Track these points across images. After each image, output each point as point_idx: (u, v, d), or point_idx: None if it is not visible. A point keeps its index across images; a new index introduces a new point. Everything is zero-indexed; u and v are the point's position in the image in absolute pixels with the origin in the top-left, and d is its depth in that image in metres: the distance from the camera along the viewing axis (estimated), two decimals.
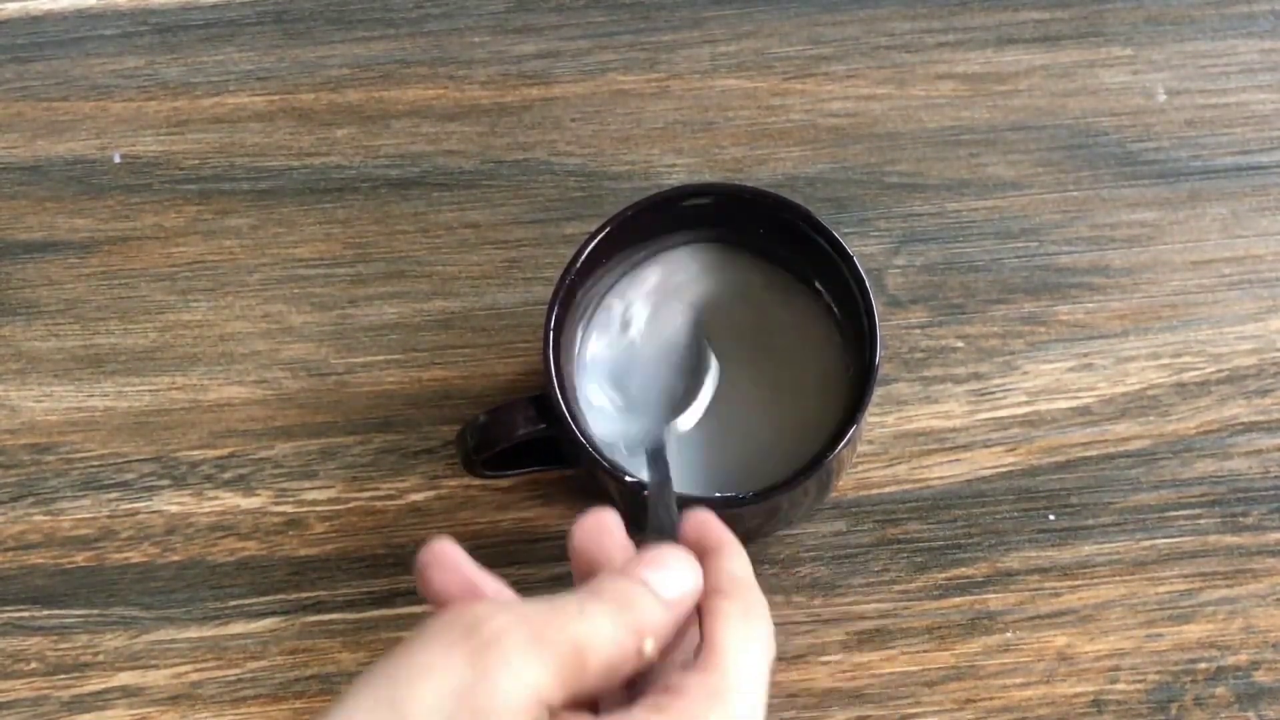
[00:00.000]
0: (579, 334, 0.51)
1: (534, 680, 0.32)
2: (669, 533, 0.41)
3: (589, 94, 0.60)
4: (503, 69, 0.61)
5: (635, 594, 0.35)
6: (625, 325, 0.52)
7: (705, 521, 0.39)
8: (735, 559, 0.38)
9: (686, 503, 0.48)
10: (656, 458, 0.46)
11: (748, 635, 0.36)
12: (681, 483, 0.50)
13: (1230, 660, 0.52)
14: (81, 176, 0.60)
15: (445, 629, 0.33)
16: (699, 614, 0.37)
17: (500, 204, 0.59)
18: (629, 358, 0.52)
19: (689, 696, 0.34)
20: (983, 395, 0.56)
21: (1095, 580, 0.53)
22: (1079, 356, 0.56)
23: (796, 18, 0.61)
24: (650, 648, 0.35)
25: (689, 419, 0.50)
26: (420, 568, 0.36)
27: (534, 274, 0.58)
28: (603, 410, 0.51)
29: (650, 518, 0.42)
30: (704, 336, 0.51)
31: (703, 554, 0.38)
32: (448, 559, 0.36)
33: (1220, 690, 0.52)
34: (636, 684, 0.36)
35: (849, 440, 0.47)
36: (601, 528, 0.39)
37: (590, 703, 0.35)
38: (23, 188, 0.60)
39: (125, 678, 0.53)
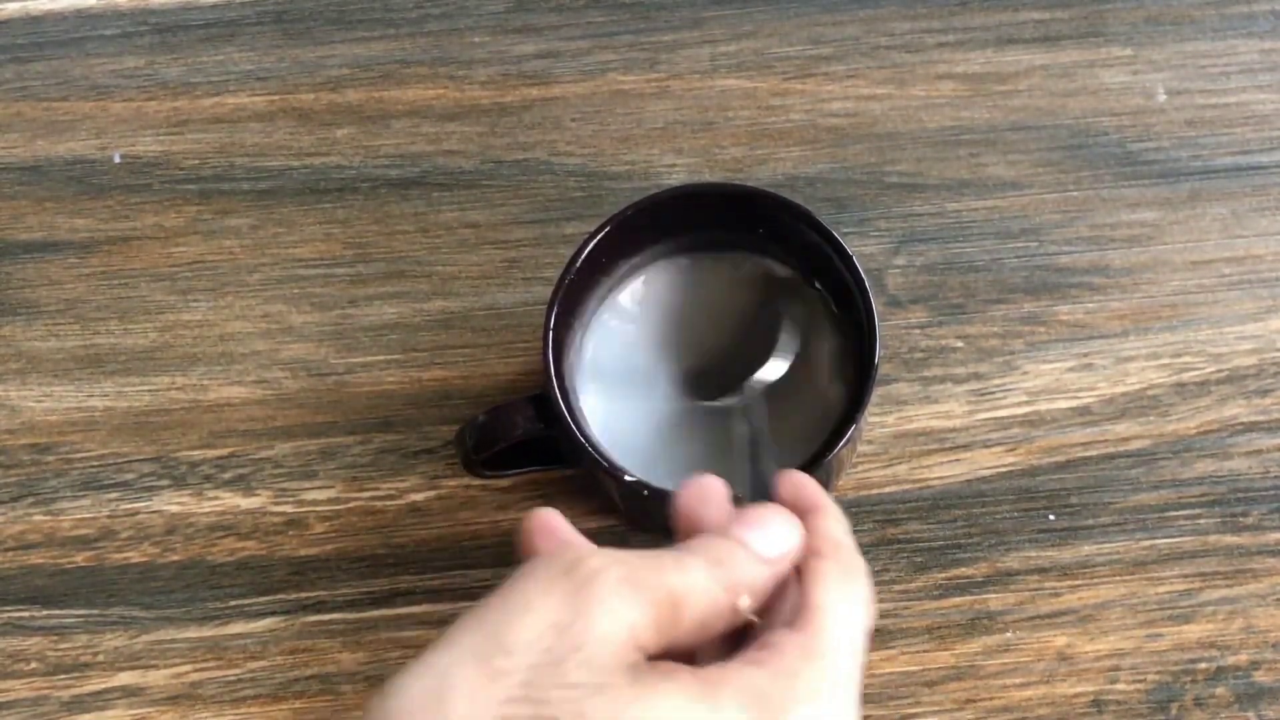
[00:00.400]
0: (579, 334, 0.51)
1: (629, 619, 0.33)
2: (765, 491, 0.40)
3: (589, 94, 0.60)
4: (503, 69, 0.61)
5: (731, 551, 0.36)
6: (635, 338, 0.52)
7: (801, 483, 0.39)
8: (833, 521, 0.38)
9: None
10: (750, 416, 0.46)
11: (846, 597, 0.36)
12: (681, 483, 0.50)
13: (1230, 660, 0.52)
14: (81, 176, 0.60)
15: (544, 567, 0.34)
16: (799, 575, 0.37)
17: (500, 204, 0.59)
18: (674, 335, 0.52)
19: (784, 654, 0.34)
20: (983, 395, 0.56)
21: (1095, 580, 0.53)
22: (1079, 356, 0.56)
23: (796, 18, 0.61)
24: (746, 604, 0.35)
25: (773, 370, 0.49)
26: (524, 532, 0.37)
27: (534, 274, 0.58)
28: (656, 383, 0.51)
29: (749, 477, 0.42)
30: (775, 305, 0.51)
31: (799, 515, 0.38)
32: (550, 524, 0.37)
33: (1220, 690, 0.52)
34: (739, 643, 0.36)
35: (849, 440, 0.47)
36: (705, 494, 0.38)
37: (688, 657, 0.35)
38: (23, 188, 0.60)
39: (125, 678, 0.53)
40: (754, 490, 0.42)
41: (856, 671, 0.35)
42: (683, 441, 0.51)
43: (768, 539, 0.36)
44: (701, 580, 0.34)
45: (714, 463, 0.51)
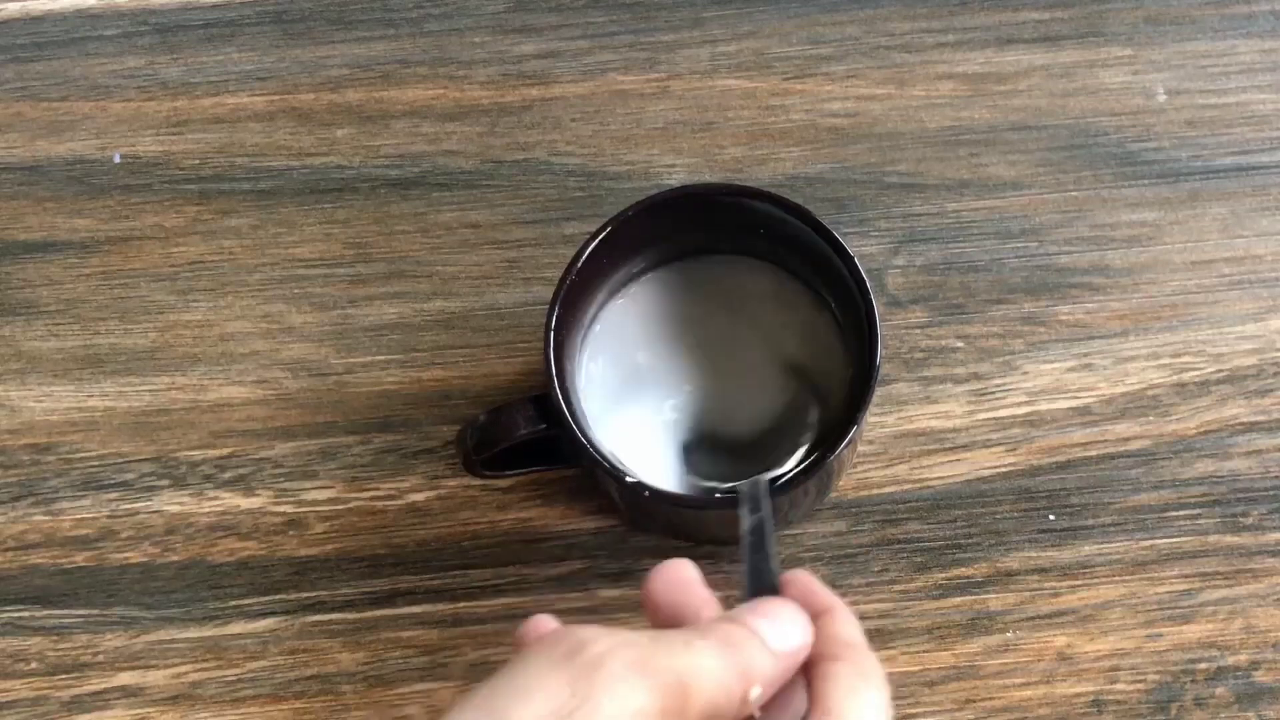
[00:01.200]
0: (580, 334, 0.51)
1: (636, 707, 0.31)
2: (769, 585, 0.39)
3: (589, 94, 0.60)
4: (503, 69, 0.61)
5: (744, 638, 0.34)
6: (635, 339, 0.52)
7: (808, 583, 0.38)
8: (846, 623, 0.37)
9: (693, 503, 0.49)
10: (755, 504, 0.43)
11: (864, 700, 0.34)
12: (682, 483, 0.50)
13: (1230, 660, 0.52)
14: (81, 176, 0.60)
15: (548, 650, 0.32)
16: (808, 679, 0.35)
17: (500, 204, 0.59)
18: (699, 392, 0.51)
19: None
20: (983, 395, 0.56)
21: (1095, 580, 0.53)
22: (1079, 356, 0.56)
23: (796, 18, 0.61)
24: (756, 695, 0.34)
25: (789, 464, 0.48)
26: (519, 636, 0.36)
27: (534, 274, 0.58)
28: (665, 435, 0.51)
29: (748, 568, 0.40)
30: (808, 390, 0.50)
31: (810, 617, 0.37)
32: (678, 575, 0.36)
33: (1220, 690, 0.52)
34: None
35: (849, 440, 0.47)
36: (683, 580, 0.37)
37: None
38: (23, 188, 0.60)
39: (125, 678, 0.53)
40: (753, 580, 0.39)
41: None
42: (689, 444, 0.51)
43: (779, 632, 0.35)
44: (712, 664, 0.33)
45: (720, 466, 0.51)
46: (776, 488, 0.46)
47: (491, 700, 0.31)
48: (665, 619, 0.37)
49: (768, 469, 0.48)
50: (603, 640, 0.32)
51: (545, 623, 0.36)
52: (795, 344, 0.52)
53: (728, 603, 0.38)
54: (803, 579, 0.38)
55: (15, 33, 0.62)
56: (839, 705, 0.34)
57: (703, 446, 0.51)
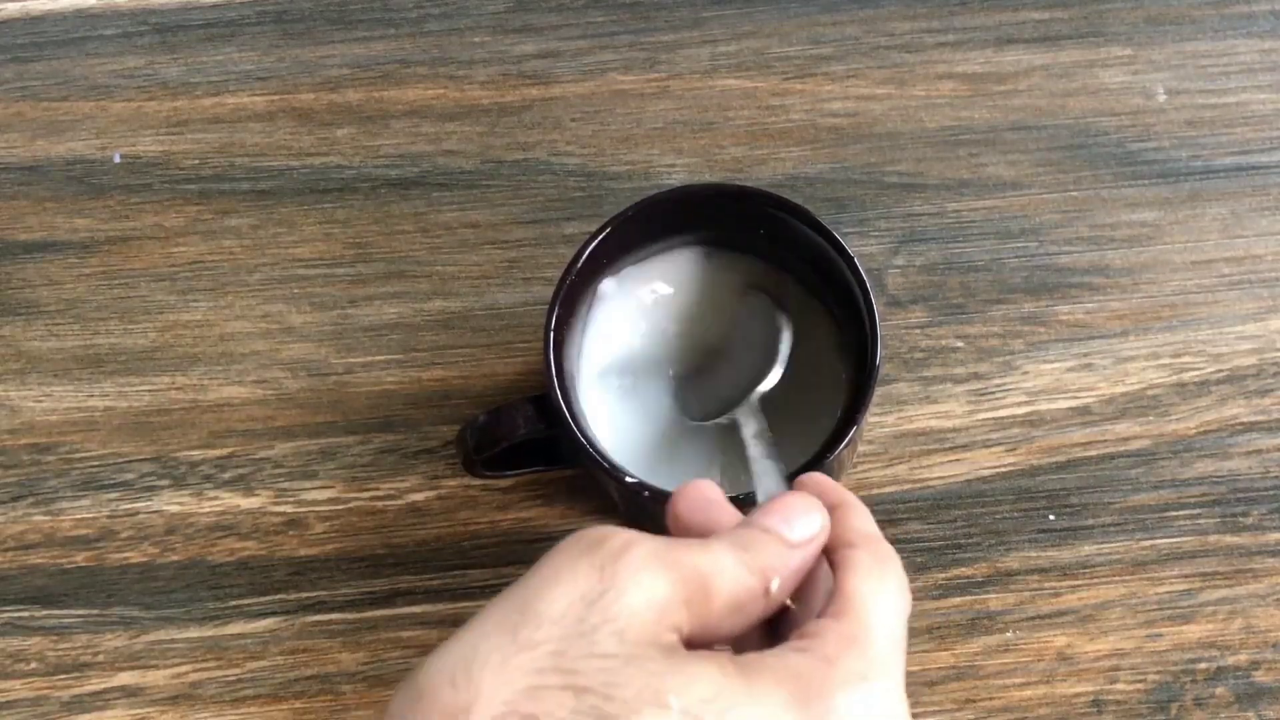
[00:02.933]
0: (580, 334, 0.51)
1: (659, 594, 0.32)
2: (777, 485, 0.40)
3: (589, 94, 0.60)
4: (503, 69, 0.61)
5: (758, 537, 0.35)
6: (635, 339, 0.52)
7: (820, 481, 0.39)
8: (859, 514, 0.38)
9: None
10: (751, 413, 0.46)
11: (882, 582, 0.35)
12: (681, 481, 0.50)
13: (1230, 660, 0.52)
14: (81, 176, 0.60)
15: (574, 543, 0.33)
16: (830, 564, 0.36)
17: (500, 204, 0.59)
18: (675, 347, 0.52)
19: (824, 640, 0.33)
20: (983, 395, 0.56)
21: (1095, 580, 0.53)
22: (1079, 356, 0.56)
23: (796, 18, 0.61)
24: (777, 587, 0.35)
25: (772, 380, 0.49)
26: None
27: (534, 274, 0.58)
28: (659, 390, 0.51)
29: (755, 475, 0.42)
30: (768, 297, 0.51)
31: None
32: (702, 495, 0.37)
33: (1220, 690, 0.52)
34: (777, 632, 0.36)
35: (849, 440, 0.47)
36: (707, 500, 0.38)
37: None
38: (23, 188, 0.60)
39: (125, 678, 0.53)
40: (763, 486, 0.42)
41: (899, 656, 0.34)
42: (686, 444, 0.51)
43: (793, 524, 0.36)
44: (729, 563, 0.34)
45: (717, 465, 0.51)
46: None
47: (524, 590, 0.33)
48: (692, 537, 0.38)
49: (753, 391, 0.49)
50: (626, 533, 0.33)
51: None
52: (793, 343, 0.52)
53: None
54: (816, 478, 0.39)
55: (15, 33, 0.62)
56: (859, 589, 0.35)
57: (691, 383, 0.51)
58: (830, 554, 0.36)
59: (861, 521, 0.37)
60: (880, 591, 0.35)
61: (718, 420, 0.49)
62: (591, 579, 0.32)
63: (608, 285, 0.52)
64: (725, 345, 0.52)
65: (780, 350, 0.50)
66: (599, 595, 0.32)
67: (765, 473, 0.42)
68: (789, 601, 0.36)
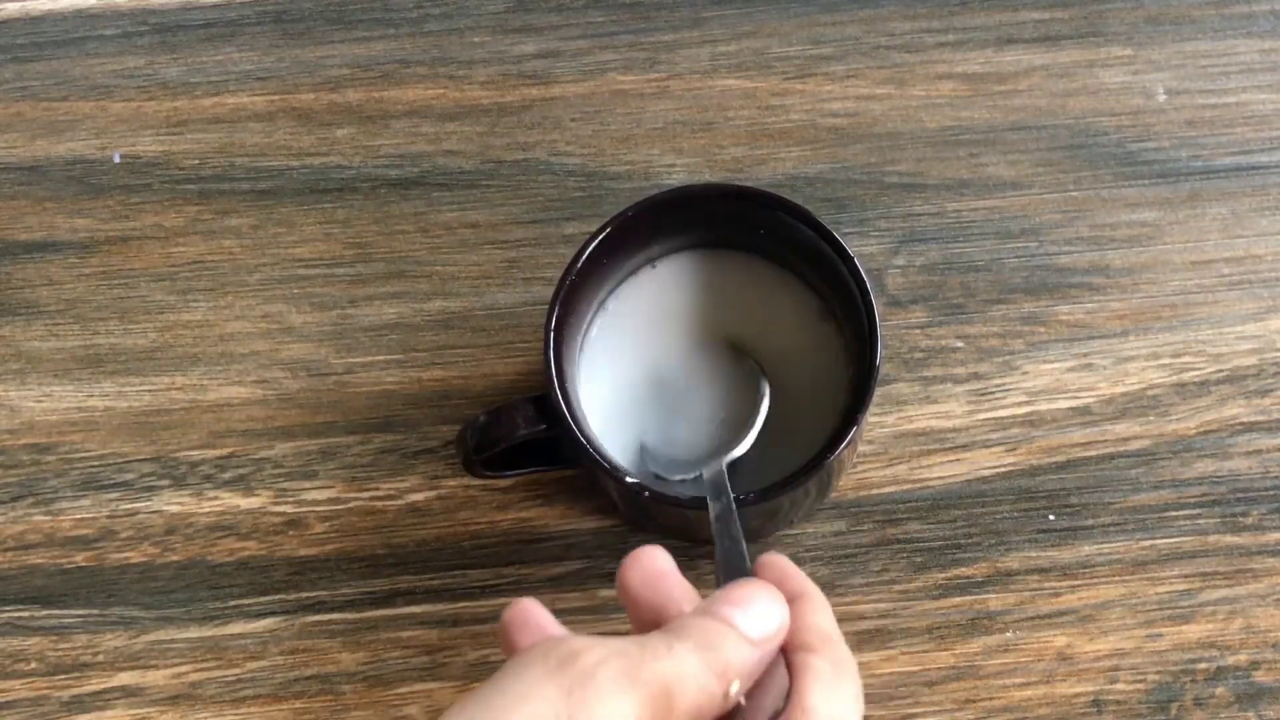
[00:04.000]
0: (580, 335, 0.51)
1: (626, 714, 0.32)
2: (740, 568, 0.40)
3: (589, 94, 0.60)
4: (503, 69, 0.61)
5: (721, 634, 0.35)
6: (635, 339, 0.52)
7: (781, 566, 0.38)
8: (819, 611, 0.37)
9: (692, 504, 0.49)
10: (718, 490, 0.45)
11: (839, 697, 0.35)
12: (683, 483, 0.50)
13: (1230, 660, 0.52)
14: (81, 176, 0.60)
15: (540, 659, 0.33)
16: (787, 664, 0.36)
17: (500, 204, 0.59)
18: (659, 378, 0.52)
19: None
20: (983, 395, 0.56)
21: (1095, 580, 0.53)
22: (1079, 356, 0.56)
23: (796, 18, 0.61)
24: (736, 690, 0.35)
25: (744, 446, 0.49)
26: (505, 626, 0.36)
27: (534, 274, 0.58)
28: (629, 431, 0.51)
29: (718, 553, 0.41)
30: (753, 361, 0.51)
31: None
32: (530, 616, 0.37)
33: (1220, 690, 0.52)
34: None
35: (849, 441, 0.47)
36: (657, 571, 0.38)
37: None
38: (23, 188, 0.60)
39: (125, 678, 0.53)
40: (726, 567, 0.41)
41: None
42: (690, 444, 0.51)
43: (754, 619, 0.36)
44: (693, 668, 0.34)
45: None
46: (770, 489, 0.46)
47: (488, 705, 0.32)
48: (644, 615, 0.37)
49: (725, 454, 0.49)
50: (594, 651, 0.33)
51: (529, 609, 0.37)
52: (793, 343, 0.52)
53: (707, 590, 0.39)
54: (776, 563, 0.39)
55: (15, 33, 0.62)
56: (817, 706, 0.35)
57: (660, 441, 0.51)
58: (788, 654, 0.36)
59: (820, 619, 0.37)
60: (836, 702, 0.35)
61: (683, 478, 0.49)
62: (559, 703, 0.32)
63: (612, 293, 0.52)
64: (699, 401, 0.51)
65: (755, 420, 0.49)
66: (566, 719, 0.32)
67: (729, 550, 0.41)
68: (742, 700, 0.36)
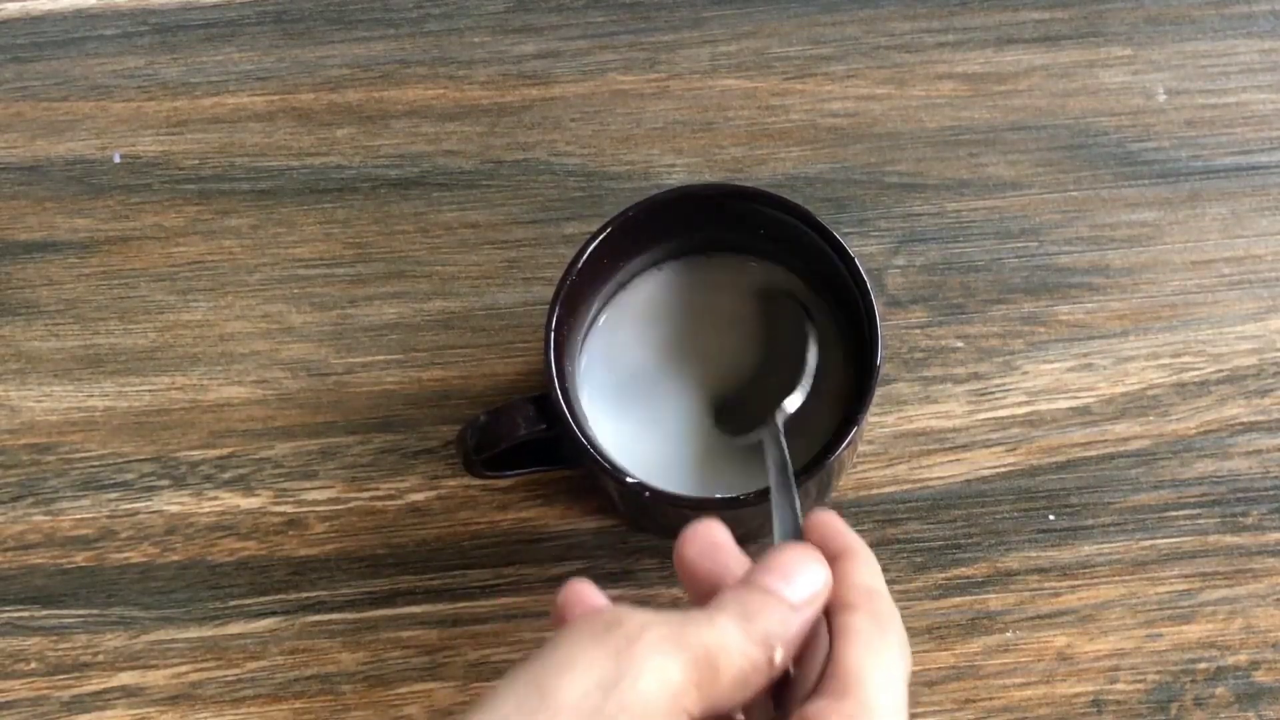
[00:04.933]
0: (580, 335, 0.51)
1: (673, 680, 0.33)
2: (792, 530, 0.40)
3: (589, 94, 0.60)
4: (503, 69, 0.61)
5: (761, 603, 0.35)
6: (636, 339, 0.52)
7: (829, 524, 0.39)
8: (862, 566, 0.37)
9: (693, 504, 0.49)
10: (775, 451, 0.45)
11: (883, 657, 0.35)
12: (683, 483, 0.50)
13: (1230, 660, 0.52)
14: (81, 176, 0.60)
15: (586, 626, 0.34)
16: (829, 629, 0.36)
17: (500, 204, 0.59)
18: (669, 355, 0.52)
19: None
20: (983, 395, 0.56)
21: (1095, 580, 0.53)
22: (1079, 356, 0.56)
23: (796, 18, 0.61)
24: (780, 657, 0.35)
25: (795, 399, 0.49)
26: (558, 606, 0.37)
27: (534, 274, 0.58)
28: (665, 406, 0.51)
29: (775, 509, 0.42)
30: (803, 316, 0.51)
31: (829, 559, 0.37)
32: (583, 594, 0.37)
33: (1220, 690, 0.52)
34: (781, 697, 0.36)
35: (849, 441, 0.47)
36: (713, 543, 0.38)
37: None
38: (23, 188, 0.60)
39: (125, 678, 0.53)
40: (780, 523, 0.41)
41: None
42: (692, 446, 0.51)
43: (796, 584, 0.36)
44: (735, 637, 0.34)
45: (721, 468, 0.51)
46: (769, 489, 0.46)
47: (539, 673, 0.33)
48: (700, 585, 0.38)
49: (779, 407, 0.49)
50: (638, 616, 0.34)
51: (583, 589, 0.38)
52: (794, 343, 0.52)
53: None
54: (825, 521, 0.39)
55: (15, 33, 0.62)
56: (859, 665, 0.35)
57: (726, 407, 0.51)
58: (830, 616, 0.36)
59: (863, 575, 0.37)
60: (880, 665, 0.35)
61: (745, 440, 0.49)
62: (607, 665, 0.33)
63: (612, 293, 0.52)
64: (749, 357, 0.52)
65: (806, 366, 0.50)
66: (615, 682, 0.32)
67: (781, 508, 0.42)
68: (791, 668, 0.36)
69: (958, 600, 0.53)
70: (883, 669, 0.35)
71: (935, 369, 0.56)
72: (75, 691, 0.53)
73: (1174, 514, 0.54)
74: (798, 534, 0.40)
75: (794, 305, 0.51)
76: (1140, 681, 0.52)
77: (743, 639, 0.34)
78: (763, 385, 0.50)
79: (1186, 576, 0.53)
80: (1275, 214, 0.58)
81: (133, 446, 0.56)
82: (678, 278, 0.53)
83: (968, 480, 0.55)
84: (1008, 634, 0.53)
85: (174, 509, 0.55)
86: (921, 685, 0.52)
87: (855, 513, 0.54)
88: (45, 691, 0.53)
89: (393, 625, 0.53)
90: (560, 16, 0.62)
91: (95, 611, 0.54)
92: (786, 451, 0.45)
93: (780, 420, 0.48)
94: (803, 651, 0.36)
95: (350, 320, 0.57)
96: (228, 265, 0.58)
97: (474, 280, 0.58)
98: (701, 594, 0.38)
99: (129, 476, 0.56)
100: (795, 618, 0.35)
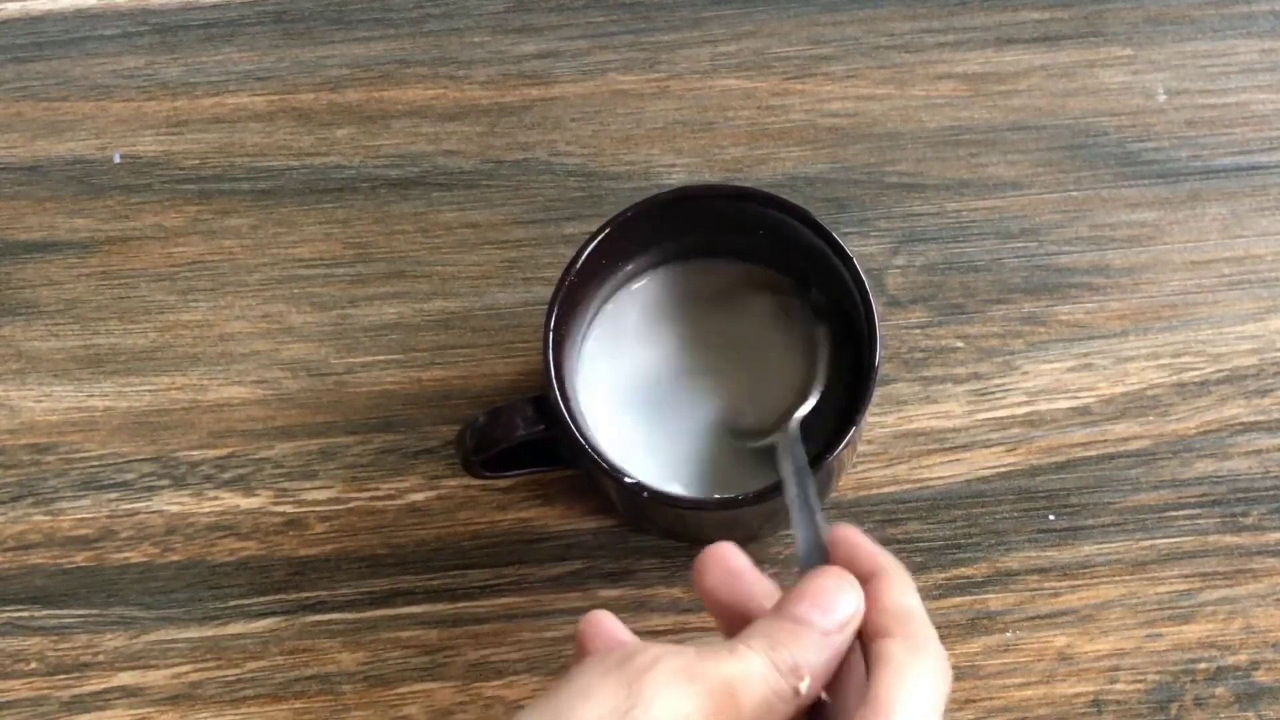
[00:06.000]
0: (580, 335, 0.51)
1: (683, 710, 0.33)
2: (818, 545, 0.40)
3: (589, 94, 0.60)
4: (503, 69, 0.61)
5: (788, 631, 0.35)
6: (635, 339, 0.52)
7: (855, 542, 0.38)
8: (895, 588, 0.37)
9: (691, 504, 0.49)
10: (792, 460, 0.45)
11: (917, 679, 0.35)
12: (682, 483, 0.50)
13: (1230, 660, 0.52)
14: (81, 176, 0.60)
15: (601, 660, 0.35)
16: (864, 655, 0.36)
17: (500, 204, 0.59)
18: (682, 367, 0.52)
19: None
20: (983, 395, 0.56)
21: (1095, 580, 0.53)
22: (1079, 356, 0.56)
23: (796, 18, 0.61)
24: (806, 687, 0.35)
25: (808, 405, 0.49)
26: (580, 636, 0.38)
27: (534, 274, 0.58)
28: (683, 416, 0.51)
29: (798, 524, 0.41)
30: (814, 323, 0.50)
31: (858, 579, 0.37)
32: (604, 625, 0.38)
33: (1220, 690, 0.52)
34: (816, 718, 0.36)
35: (849, 441, 0.47)
36: (728, 570, 0.38)
37: None
38: (23, 188, 0.60)
39: (125, 678, 0.53)
40: (804, 539, 0.40)
41: None
42: (692, 446, 0.51)
43: (827, 612, 0.36)
44: (759, 667, 0.35)
45: (722, 468, 0.51)
46: (769, 490, 0.46)
47: (557, 702, 0.34)
48: (726, 614, 0.38)
49: (792, 416, 0.48)
50: (653, 650, 0.34)
51: (603, 620, 0.38)
52: (794, 343, 0.52)
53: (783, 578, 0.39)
54: (850, 538, 0.38)
55: (15, 33, 0.62)
56: (894, 695, 0.34)
57: (732, 410, 0.51)
58: (865, 640, 0.36)
59: (896, 595, 0.37)
60: (914, 694, 0.35)
61: (754, 444, 0.49)
62: (619, 695, 0.33)
63: (611, 293, 0.52)
64: (751, 358, 0.51)
65: (818, 369, 0.49)
66: (626, 711, 0.33)
67: (802, 523, 0.41)
68: (823, 694, 0.36)
69: (958, 600, 0.53)
70: (917, 698, 0.35)
71: (935, 369, 0.56)
72: (75, 691, 0.53)
73: (1174, 514, 0.54)
74: (821, 550, 0.39)
75: (801, 306, 0.51)
76: (1140, 681, 0.52)
77: (767, 668, 0.35)
78: (770, 388, 0.50)
79: (1186, 576, 0.53)
80: (1275, 214, 0.58)
81: (133, 446, 0.56)
82: (677, 278, 0.53)
83: (968, 480, 0.55)
84: (1008, 634, 0.53)
85: (174, 509, 0.55)
86: None
87: (855, 513, 0.54)
88: (45, 691, 0.53)
89: (393, 625, 0.53)
90: (560, 16, 0.62)
91: (95, 611, 0.54)
92: (805, 460, 0.45)
93: (795, 427, 0.47)
94: (838, 677, 0.36)
95: (350, 320, 0.57)
96: (228, 265, 0.58)
97: (474, 280, 0.58)
98: (731, 623, 0.38)
99: (129, 476, 0.56)
100: (826, 646, 0.35)
